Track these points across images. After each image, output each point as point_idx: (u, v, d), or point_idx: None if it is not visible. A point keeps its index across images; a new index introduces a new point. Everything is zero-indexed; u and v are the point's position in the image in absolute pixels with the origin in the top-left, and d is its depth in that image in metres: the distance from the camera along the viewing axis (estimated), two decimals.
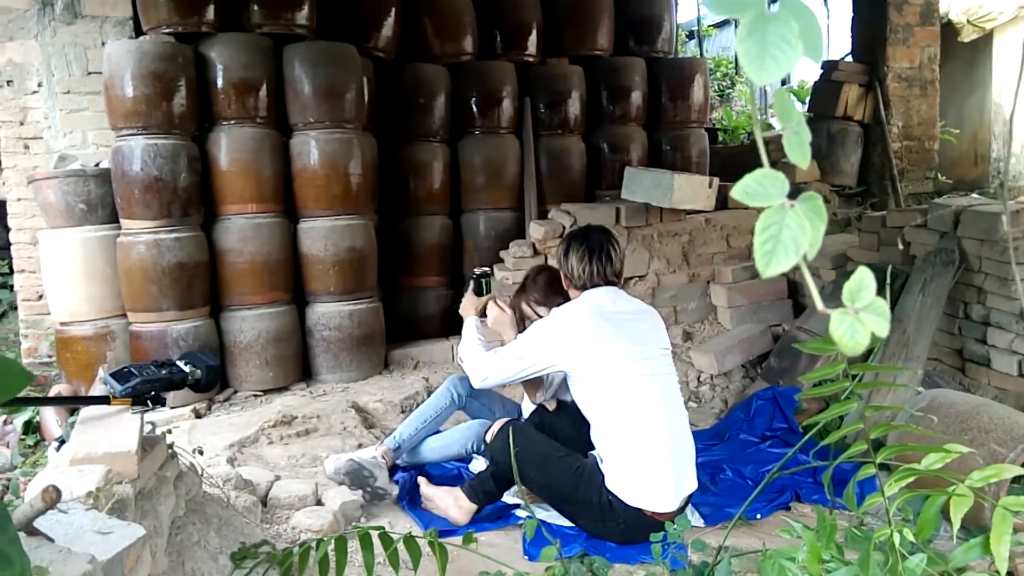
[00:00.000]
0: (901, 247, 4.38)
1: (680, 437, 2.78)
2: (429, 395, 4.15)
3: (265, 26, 4.51)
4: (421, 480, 3.14)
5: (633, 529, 2.68)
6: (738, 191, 0.74)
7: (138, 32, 4.57)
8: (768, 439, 3.77)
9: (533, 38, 5.50)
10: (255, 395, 4.32)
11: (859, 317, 0.77)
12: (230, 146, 4.35)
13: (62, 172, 4.36)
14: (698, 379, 4.64)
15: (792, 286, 5.12)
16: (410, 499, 3.15)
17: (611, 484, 2.70)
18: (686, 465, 2.78)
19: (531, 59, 5.53)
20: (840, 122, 6.31)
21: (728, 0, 0.71)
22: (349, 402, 4.09)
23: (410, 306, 5.09)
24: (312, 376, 4.56)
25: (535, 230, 5.02)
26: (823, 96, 6.46)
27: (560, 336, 2.76)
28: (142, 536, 1.61)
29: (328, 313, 4.52)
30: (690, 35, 12.77)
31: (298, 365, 4.52)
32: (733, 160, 6.59)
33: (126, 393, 2.41)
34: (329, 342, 4.51)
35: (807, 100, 7.10)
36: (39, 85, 4.64)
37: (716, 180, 5.17)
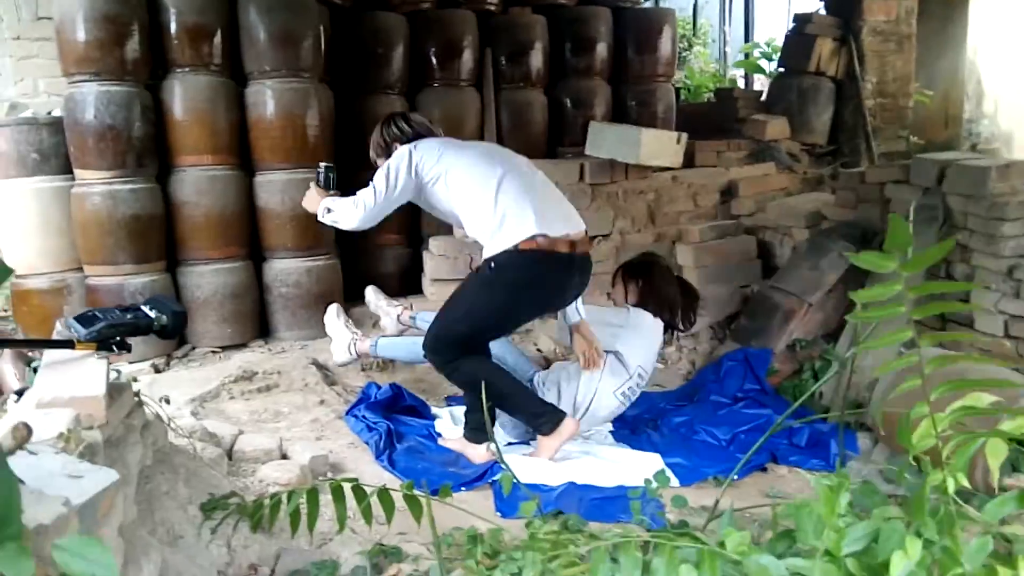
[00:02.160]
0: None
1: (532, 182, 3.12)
2: None
3: None
4: (442, 440, 3.36)
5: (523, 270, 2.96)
6: None
7: None
8: (740, 400, 3.79)
9: None
10: (213, 351, 4.24)
11: None
12: (184, 95, 4.23)
13: (13, 120, 4.24)
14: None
15: (761, 246, 5.10)
16: (389, 455, 3.14)
17: (490, 249, 2.99)
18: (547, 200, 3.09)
19: (492, 7, 5.39)
20: (812, 77, 6.17)
21: None
22: (309, 359, 4.06)
23: (368, 264, 4.97)
24: (270, 333, 4.48)
25: None
26: (795, 50, 6.31)
27: (414, 150, 3.10)
28: (116, 481, 1.57)
29: (286, 269, 4.44)
30: None
31: (256, 322, 4.44)
32: (697, 118, 6.51)
33: (91, 337, 2.35)
34: (287, 299, 4.43)
35: (778, 55, 6.95)
36: None
37: (684, 136, 5.13)
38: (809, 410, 3.55)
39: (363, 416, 3.43)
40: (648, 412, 3.79)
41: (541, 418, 3.11)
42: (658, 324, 3.51)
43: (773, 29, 9.70)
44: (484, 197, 2.99)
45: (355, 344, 3.67)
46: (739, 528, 1.45)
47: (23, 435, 1.52)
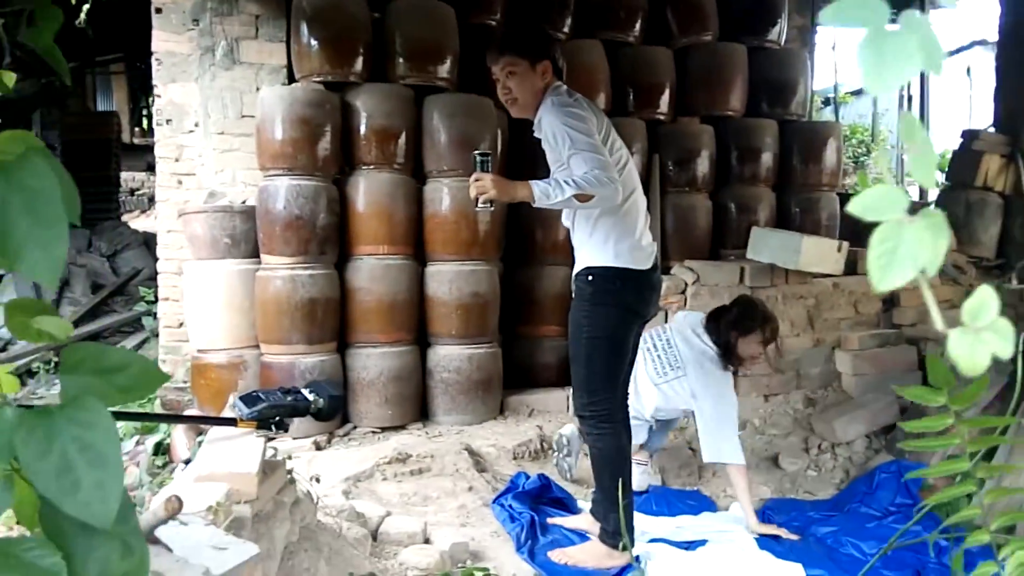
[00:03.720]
0: None
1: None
2: (542, 443, 4.23)
3: (409, 78, 4.71)
4: (554, 553, 3.17)
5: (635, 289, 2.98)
6: (855, 206, 0.75)
7: (291, 80, 4.85)
8: (891, 514, 3.66)
9: (665, 97, 5.54)
10: (373, 431, 4.41)
11: (980, 336, 0.76)
12: (368, 189, 4.55)
13: (211, 207, 4.66)
14: (819, 447, 4.52)
15: (923, 357, 4.97)
16: (530, 548, 3.17)
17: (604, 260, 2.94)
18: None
19: (662, 117, 5.57)
20: (979, 192, 6.15)
21: (849, 15, 0.72)
22: (463, 445, 4.14)
23: (527, 354, 5.10)
24: (428, 417, 4.63)
25: None
26: (962, 165, 6.33)
27: (586, 109, 2.91)
28: (256, 555, 1.66)
29: (449, 355, 4.61)
30: (826, 101, 12.70)
31: (416, 405, 4.60)
32: (865, 226, 6.41)
33: (252, 416, 2.53)
34: (448, 384, 4.59)
35: (946, 169, 6.95)
36: (195, 125, 4.96)
37: (846, 244, 5.12)
38: (961, 528, 3.38)
39: (509, 505, 3.47)
40: (796, 520, 3.73)
41: (617, 533, 3.01)
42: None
43: (952, 138, 9.42)
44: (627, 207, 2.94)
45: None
46: None
47: (175, 507, 1.65)
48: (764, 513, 3.75)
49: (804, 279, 5.11)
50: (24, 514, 0.86)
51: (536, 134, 3.03)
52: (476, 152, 2.94)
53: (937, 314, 0.78)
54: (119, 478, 0.82)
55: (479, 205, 2.86)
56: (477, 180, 2.83)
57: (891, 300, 5.38)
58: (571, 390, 3.39)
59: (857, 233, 5.91)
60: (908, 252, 0.72)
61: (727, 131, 5.65)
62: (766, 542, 3.43)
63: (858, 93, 12.84)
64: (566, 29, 5.34)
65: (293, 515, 2.39)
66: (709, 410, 3.58)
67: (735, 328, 3.65)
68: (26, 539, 0.82)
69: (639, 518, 3.43)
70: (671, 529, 3.55)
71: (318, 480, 3.53)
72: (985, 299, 0.77)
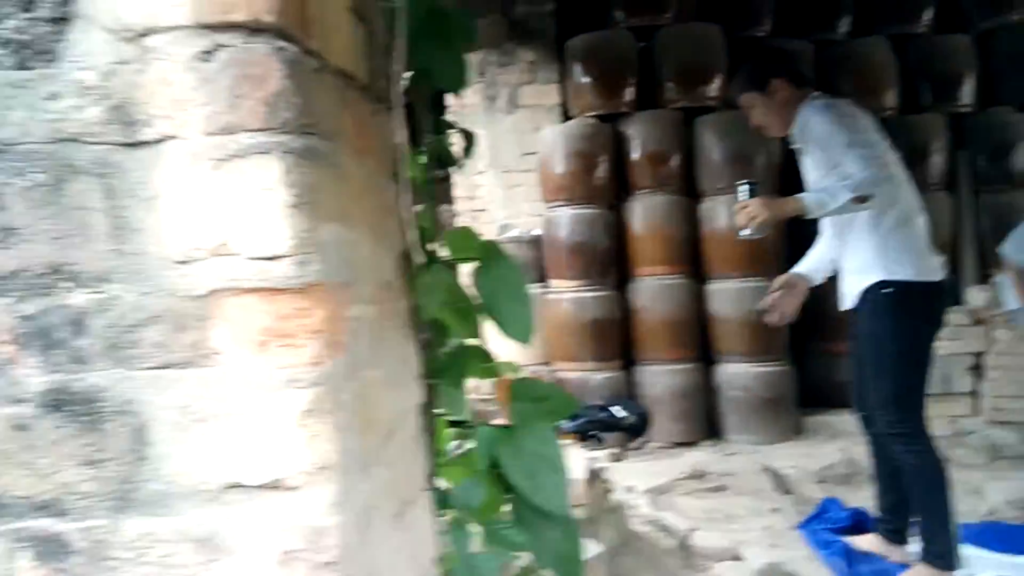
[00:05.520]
0: None
1: None
2: (848, 468, 3.97)
3: (678, 102, 4.78)
4: None
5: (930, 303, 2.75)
6: None
7: (565, 116, 5.10)
8: None
9: (968, 87, 5.07)
10: (664, 447, 4.45)
11: None
12: (644, 213, 4.67)
13: (504, 238, 5.01)
14: None
15: None
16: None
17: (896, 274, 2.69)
18: None
19: (966, 109, 5.09)
20: None
21: None
22: (761, 465, 4.04)
23: (824, 372, 4.81)
24: (719, 435, 4.60)
25: (975, 296, 4.58)
26: None
27: (855, 111, 2.75)
28: (597, 553, 1.75)
29: (736, 374, 4.54)
30: None
31: (704, 422, 4.60)
32: None
33: (573, 429, 2.70)
34: (736, 402, 4.52)
35: None
36: (485, 166, 5.36)
37: None
38: None
39: (823, 531, 3.26)
40: None
41: (946, 554, 2.72)
42: None
43: None
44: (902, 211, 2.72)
45: None
46: None
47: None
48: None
49: None
50: (484, 510, 1.16)
51: (793, 144, 2.90)
52: (741, 182, 2.80)
53: None
54: (567, 481, 1.11)
55: (744, 232, 2.71)
56: (744, 207, 2.70)
57: None
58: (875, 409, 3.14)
59: None
60: None
61: None
62: None
63: None
64: (845, 28, 5.11)
65: (612, 521, 2.49)
66: None
67: None
68: (503, 522, 1.15)
69: (970, 551, 3.07)
70: (1011, 564, 3.11)
71: (630, 490, 3.60)
72: None
